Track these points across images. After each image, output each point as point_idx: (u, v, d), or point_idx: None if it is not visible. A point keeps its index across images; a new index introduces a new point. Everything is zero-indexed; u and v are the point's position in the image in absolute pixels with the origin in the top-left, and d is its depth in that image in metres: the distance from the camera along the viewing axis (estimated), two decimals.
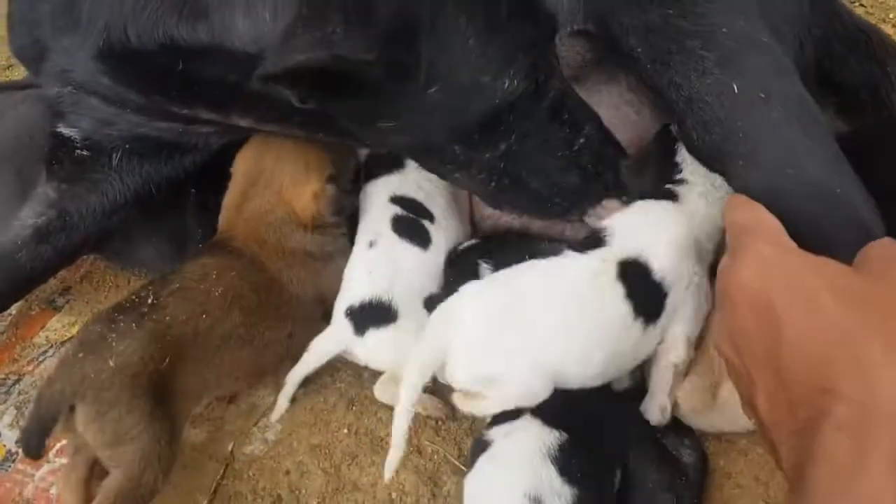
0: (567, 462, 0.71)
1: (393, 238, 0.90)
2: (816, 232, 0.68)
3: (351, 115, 0.73)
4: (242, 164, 0.95)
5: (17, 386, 0.99)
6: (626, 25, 0.82)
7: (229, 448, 0.89)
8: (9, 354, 1.03)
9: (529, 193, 0.83)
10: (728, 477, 0.81)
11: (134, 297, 0.82)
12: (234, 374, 0.86)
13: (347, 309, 0.86)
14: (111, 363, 0.75)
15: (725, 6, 0.79)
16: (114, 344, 0.76)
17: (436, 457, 0.85)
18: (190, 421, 0.88)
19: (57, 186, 0.93)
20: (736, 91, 0.74)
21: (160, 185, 0.94)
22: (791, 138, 0.73)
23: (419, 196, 0.94)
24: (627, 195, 0.86)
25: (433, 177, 0.91)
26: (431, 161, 0.84)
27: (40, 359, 1.02)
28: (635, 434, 0.79)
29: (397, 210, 0.93)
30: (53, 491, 0.87)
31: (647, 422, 0.79)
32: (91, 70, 0.78)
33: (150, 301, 0.81)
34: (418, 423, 0.87)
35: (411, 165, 0.95)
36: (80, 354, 0.75)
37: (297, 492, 0.84)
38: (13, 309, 1.07)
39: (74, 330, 1.04)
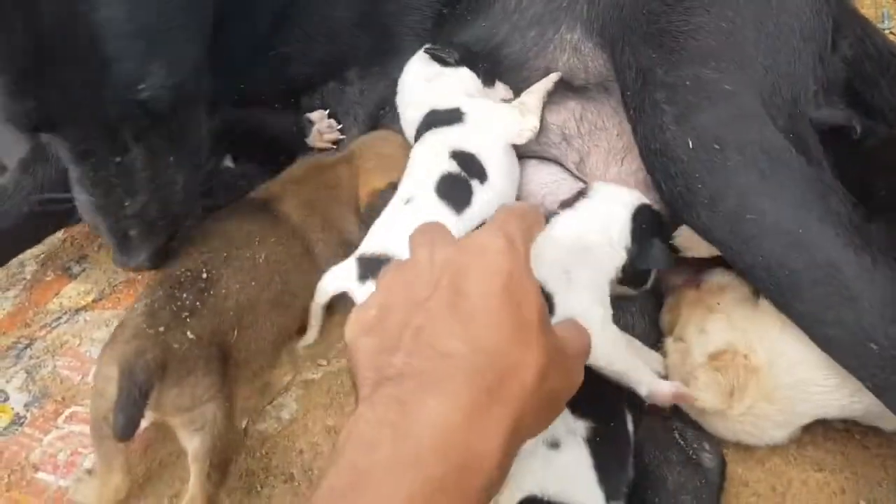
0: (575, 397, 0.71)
1: (431, 199, 0.88)
2: (784, 274, 0.71)
3: None
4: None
5: (27, 350, 0.98)
6: (625, 61, 0.85)
7: (243, 425, 0.88)
8: (21, 318, 1.02)
9: None
10: (745, 485, 0.80)
11: (187, 271, 0.83)
12: (276, 340, 0.88)
13: (360, 255, 0.86)
14: (190, 335, 0.78)
15: (701, 53, 0.81)
16: (188, 320, 0.79)
17: None
18: None
19: None
20: (691, 146, 0.76)
21: None
22: (750, 185, 0.74)
23: (478, 152, 0.90)
24: None
25: (493, 134, 0.91)
26: None
27: (53, 325, 1.01)
28: (656, 435, 0.79)
29: (450, 168, 0.89)
30: (61, 457, 0.86)
31: (668, 420, 0.79)
32: None
33: (204, 276, 0.83)
34: None
35: (471, 118, 0.92)
36: (161, 328, 0.77)
37: (309, 472, 0.83)
38: (28, 273, 1.06)
39: (90, 298, 1.03)
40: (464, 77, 0.96)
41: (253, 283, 0.85)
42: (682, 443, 0.81)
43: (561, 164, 0.98)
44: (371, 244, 0.87)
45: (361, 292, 0.85)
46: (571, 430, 0.70)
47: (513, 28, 0.99)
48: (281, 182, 0.98)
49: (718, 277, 0.87)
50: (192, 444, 0.77)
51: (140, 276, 1.04)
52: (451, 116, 0.93)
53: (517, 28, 0.99)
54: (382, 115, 1.06)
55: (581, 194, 0.86)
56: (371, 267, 0.85)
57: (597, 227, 0.82)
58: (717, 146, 0.75)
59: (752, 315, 0.81)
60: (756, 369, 0.77)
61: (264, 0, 1.00)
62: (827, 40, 0.93)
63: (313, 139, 1.04)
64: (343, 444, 0.46)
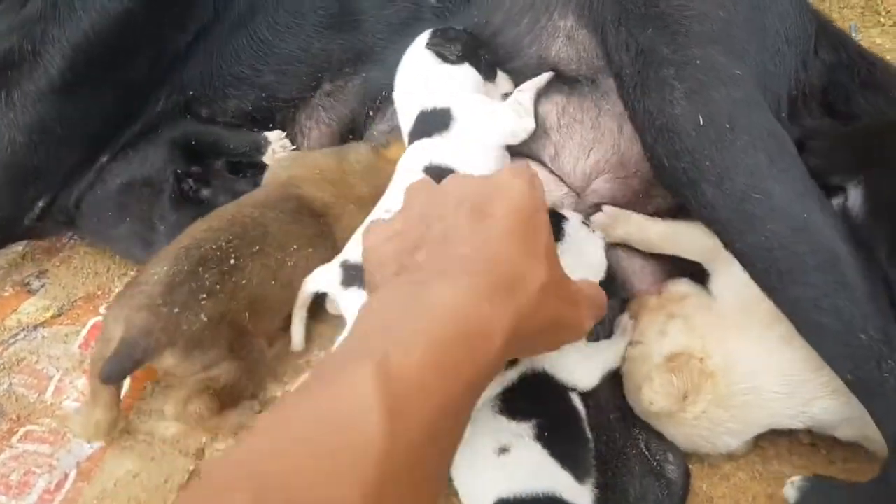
0: (511, 404, 0.72)
1: None
2: (786, 256, 0.71)
3: None
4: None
5: None
6: (621, 41, 0.84)
7: (201, 443, 0.86)
8: None
9: None
10: (710, 501, 0.79)
11: (216, 249, 0.85)
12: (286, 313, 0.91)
13: (344, 261, 0.85)
14: (203, 317, 0.80)
15: (707, 36, 0.81)
16: (203, 302, 0.81)
17: None
18: (160, 414, 0.87)
19: None
20: (701, 123, 0.76)
21: None
22: (757, 165, 0.74)
23: (457, 166, 0.87)
24: None
25: (480, 143, 0.89)
26: None
27: (10, 342, 0.98)
28: (618, 445, 0.78)
29: None
30: (14, 477, 0.84)
31: (632, 429, 0.78)
32: None
33: (231, 262, 0.84)
34: None
35: (461, 123, 0.89)
36: (176, 309, 0.79)
37: None
38: None
39: (49, 314, 1.01)
40: (465, 75, 0.92)
41: (273, 283, 0.87)
42: (646, 453, 0.81)
43: (534, 158, 0.97)
44: (355, 252, 0.85)
45: (344, 298, 0.84)
46: (517, 433, 0.70)
47: (506, 16, 0.97)
48: (339, 195, 0.96)
49: (680, 286, 0.87)
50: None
51: (100, 292, 1.02)
52: (439, 121, 0.89)
53: (510, 16, 0.97)
54: (357, 118, 1.06)
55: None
56: (355, 274, 0.84)
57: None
58: (728, 125, 0.75)
59: (712, 321, 0.81)
60: (711, 373, 0.77)
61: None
62: (810, 46, 0.94)
63: (269, 158, 1.04)
64: (362, 316, 0.50)
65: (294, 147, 1.05)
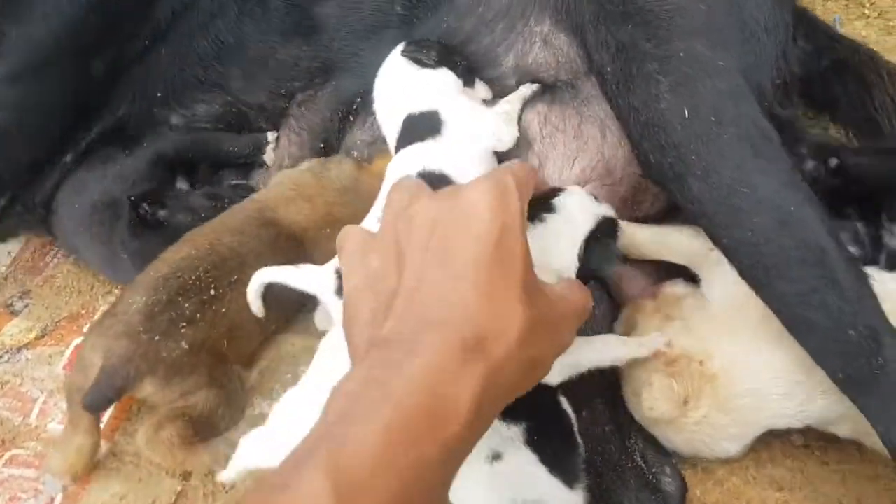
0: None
1: None
2: (772, 251, 0.70)
3: None
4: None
5: None
6: (600, 40, 0.83)
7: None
8: None
9: None
10: None
11: (195, 279, 0.84)
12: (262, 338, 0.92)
13: (337, 269, 0.82)
14: (184, 344, 0.81)
15: (688, 29, 0.80)
16: (184, 330, 0.81)
17: None
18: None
19: None
20: (687, 116, 0.75)
21: None
22: (743, 158, 0.73)
23: (450, 171, 0.84)
24: None
25: (471, 147, 0.87)
26: None
27: None
28: (614, 458, 0.77)
29: None
30: None
31: (628, 440, 0.77)
32: None
33: (211, 292, 0.85)
34: None
35: (451, 126, 0.86)
36: (157, 337, 0.80)
37: None
38: None
39: (32, 336, 1.00)
40: (444, 78, 0.90)
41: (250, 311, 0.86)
42: (642, 465, 0.79)
43: None
44: None
45: (334, 304, 0.81)
46: (508, 438, 0.69)
47: (479, 22, 0.96)
48: (315, 219, 0.94)
49: (676, 287, 0.85)
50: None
51: (84, 312, 1.01)
52: (428, 125, 0.87)
53: (484, 22, 0.95)
54: (329, 127, 1.04)
55: (548, 208, 0.83)
56: None
57: (563, 243, 0.79)
58: (713, 118, 0.74)
59: (710, 323, 0.80)
60: (711, 377, 0.76)
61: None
62: (789, 35, 0.93)
63: (270, 157, 1.04)
64: (330, 400, 0.49)
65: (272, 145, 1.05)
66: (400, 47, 0.92)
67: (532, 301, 0.53)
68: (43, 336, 1.00)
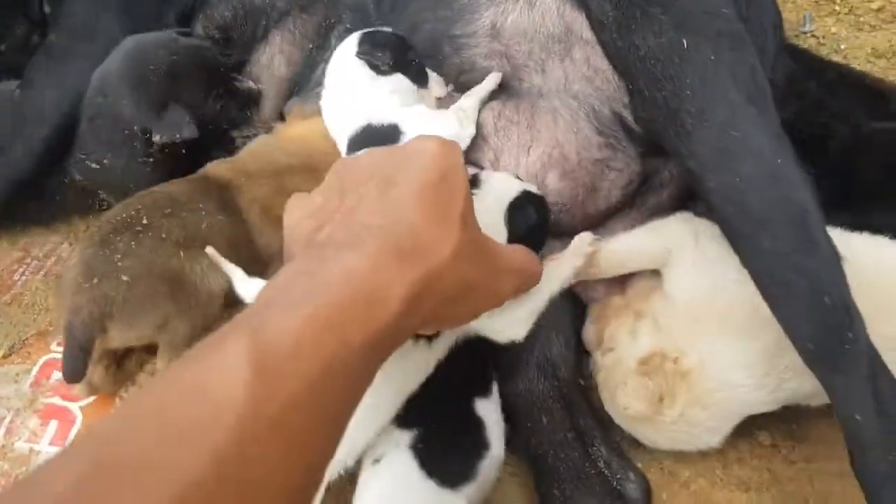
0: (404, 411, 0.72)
1: None
2: (758, 202, 0.69)
3: None
4: (308, 140, 0.96)
5: None
6: None
7: None
8: None
9: None
10: None
11: (126, 216, 0.84)
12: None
13: None
14: (123, 277, 0.80)
15: None
16: (120, 263, 0.80)
17: None
18: None
19: None
20: (686, 48, 0.75)
21: None
22: (738, 102, 0.73)
23: None
24: None
25: None
26: None
27: None
28: (577, 465, 0.76)
29: None
30: None
31: (592, 448, 0.77)
32: None
33: (143, 221, 0.83)
34: None
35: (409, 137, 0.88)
36: (95, 280, 0.79)
37: None
38: None
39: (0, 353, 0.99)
40: (397, 85, 0.91)
41: (197, 243, 0.85)
42: (605, 472, 0.78)
43: (475, 166, 0.95)
44: None
45: None
46: (396, 442, 0.71)
47: None
48: (235, 170, 0.95)
49: (644, 280, 0.85)
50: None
51: (52, 328, 1.01)
52: (388, 136, 0.88)
53: None
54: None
55: (474, 184, 0.81)
56: None
57: (488, 215, 0.77)
58: (712, 56, 0.75)
59: (679, 318, 0.79)
60: (685, 373, 0.75)
61: None
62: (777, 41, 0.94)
63: None
64: (259, 292, 0.50)
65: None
66: (354, 43, 0.92)
67: (473, 231, 0.57)
68: (10, 354, 0.99)
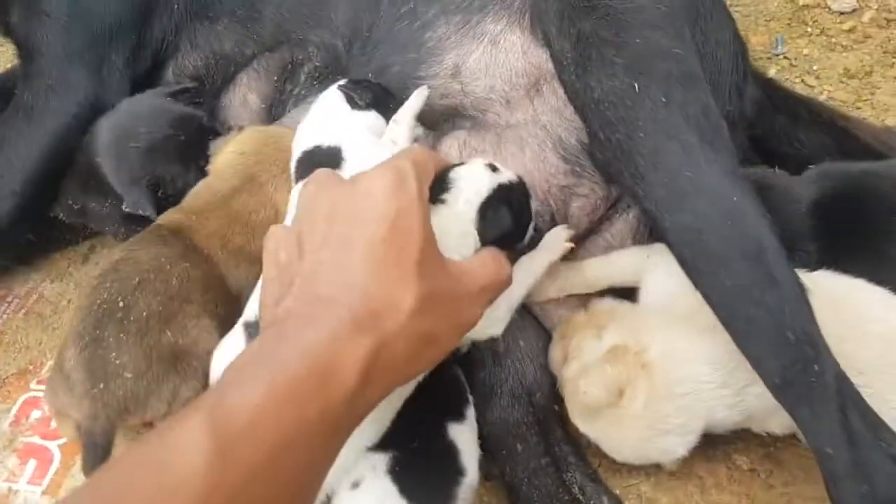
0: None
1: None
2: (715, 241, 0.70)
3: None
4: (237, 160, 0.97)
5: None
6: (563, 30, 0.85)
7: None
8: None
9: None
10: None
11: (101, 303, 0.83)
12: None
13: (246, 322, 0.82)
14: (127, 374, 0.80)
15: (649, 22, 0.82)
16: (117, 361, 0.80)
17: None
18: None
19: None
20: (637, 91, 0.76)
21: None
22: (690, 143, 0.74)
23: None
24: None
25: None
26: None
27: None
28: (551, 491, 0.76)
29: None
30: None
31: (566, 473, 0.77)
32: None
33: (120, 304, 0.83)
34: None
35: (345, 168, 0.86)
36: (101, 385, 0.79)
37: None
38: None
39: None
40: (367, 121, 0.90)
41: (171, 301, 0.85)
42: (580, 498, 0.78)
43: None
44: (253, 310, 0.82)
45: None
46: (372, 466, 0.70)
47: (441, 10, 0.96)
48: (185, 212, 0.95)
49: (605, 302, 0.86)
50: None
51: (32, 367, 1.01)
52: (330, 159, 0.86)
53: (445, 10, 0.96)
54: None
55: (444, 186, 0.77)
56: (256, 333, 0.80)
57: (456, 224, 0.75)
58: (663, 98, 0.75)
59: (644, 316, 0.81)
60: (647, 365, 0.76)
61: None
62: (742, 73, 0.94)
63: None
64: (221, 375, 0.51)
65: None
66: (340, 81, 0.93)
67: (430, 277, 0.56)
68: None
